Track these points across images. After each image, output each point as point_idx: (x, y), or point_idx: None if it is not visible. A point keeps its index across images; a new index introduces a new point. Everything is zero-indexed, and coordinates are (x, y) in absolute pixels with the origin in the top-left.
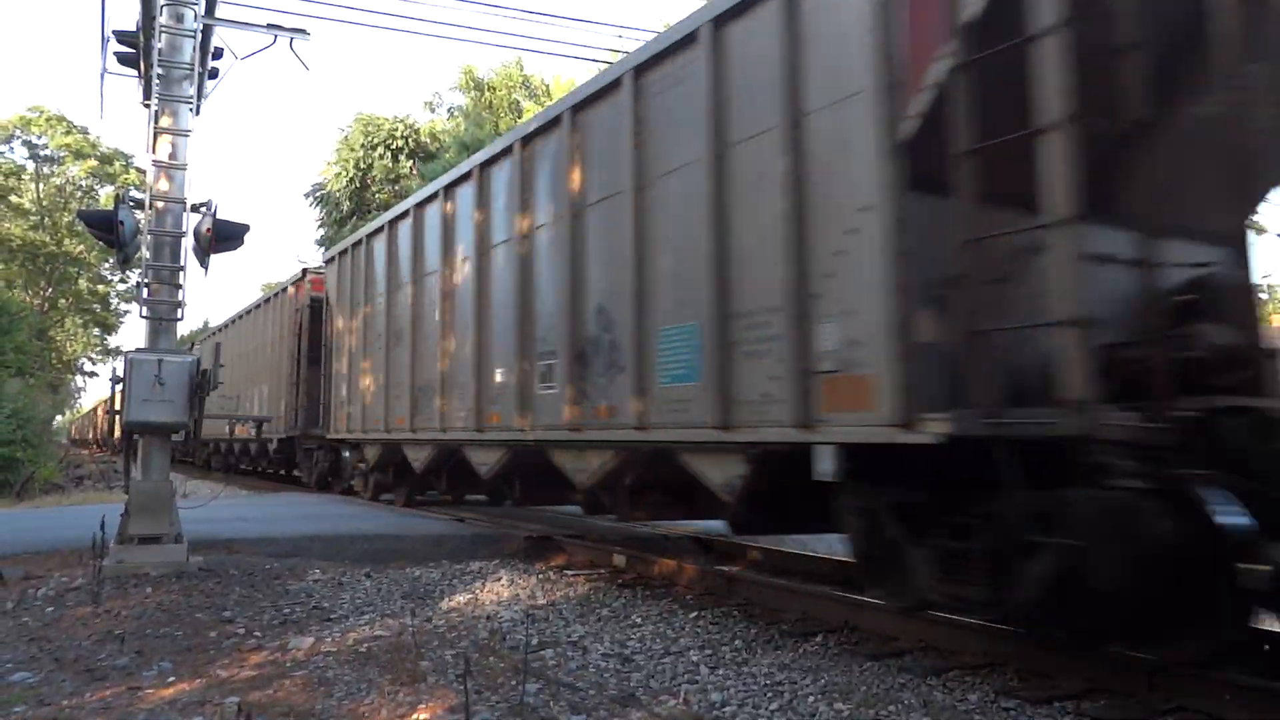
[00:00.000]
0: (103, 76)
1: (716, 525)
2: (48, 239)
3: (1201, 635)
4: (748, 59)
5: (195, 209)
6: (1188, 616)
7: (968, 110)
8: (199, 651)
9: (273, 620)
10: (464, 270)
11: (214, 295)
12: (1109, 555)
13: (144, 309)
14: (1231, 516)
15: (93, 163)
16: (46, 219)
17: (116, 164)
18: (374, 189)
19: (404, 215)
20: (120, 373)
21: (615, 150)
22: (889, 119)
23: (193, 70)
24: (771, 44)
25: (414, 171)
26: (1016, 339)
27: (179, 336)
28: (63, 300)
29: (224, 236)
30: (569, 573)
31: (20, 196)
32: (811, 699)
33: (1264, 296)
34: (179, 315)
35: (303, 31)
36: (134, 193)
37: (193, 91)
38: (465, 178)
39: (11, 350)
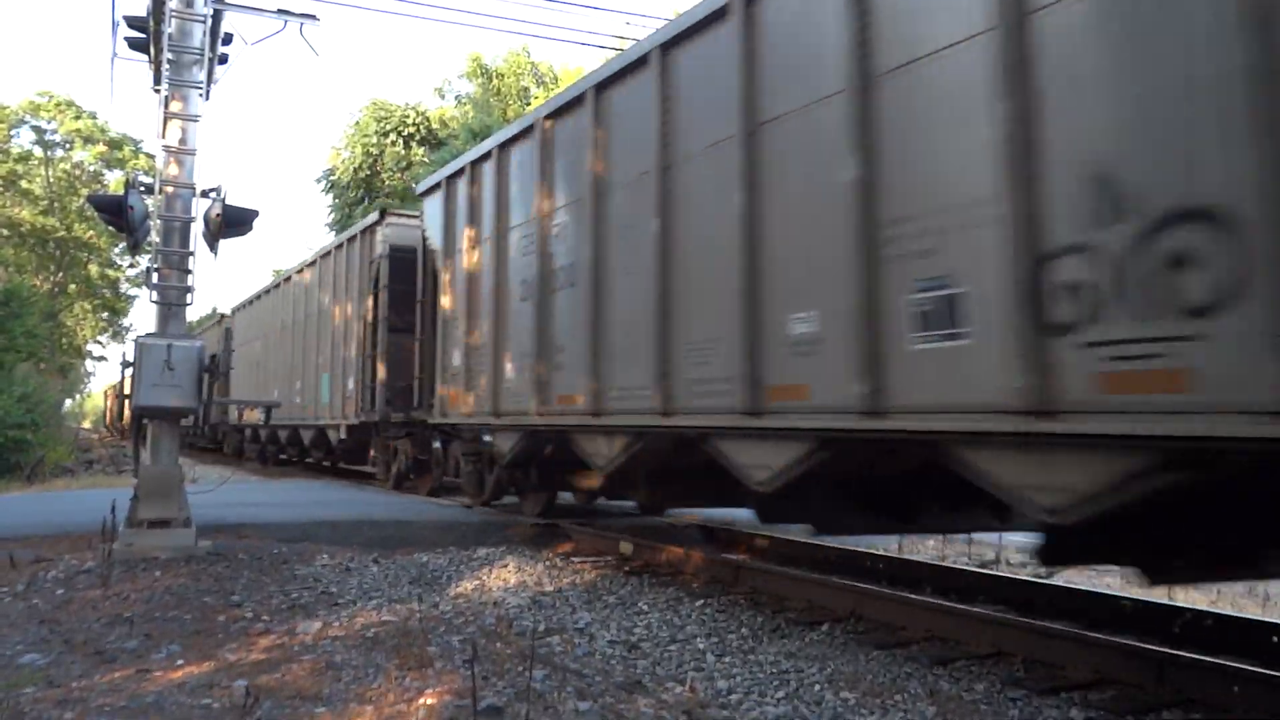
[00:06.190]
0: (113, 61)
1: (724, 514)
2: (57, 224)
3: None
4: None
5: (205, 194)
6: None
7: (372, 309)
8: (207, 635)
9: (280, 605)
10: None
11: (224, 282)
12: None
13: (154, 294)
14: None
15: (102, 148)
16: (56, 204)
17: (125, 149)
18: (384, 175)
19: None
20: (130, 357)
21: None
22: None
23: (203, 55)
24: None
25: (425, 159)
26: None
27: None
28: (73, 285)
29: (233, 222)
30: (576, 560)
31: (30, 182)
32: (818, 687)
33: None
34: (188, 300)
35: (312, 16)
36: (143, 178)
37: (203, 77)
38: None
39: (22, 335)
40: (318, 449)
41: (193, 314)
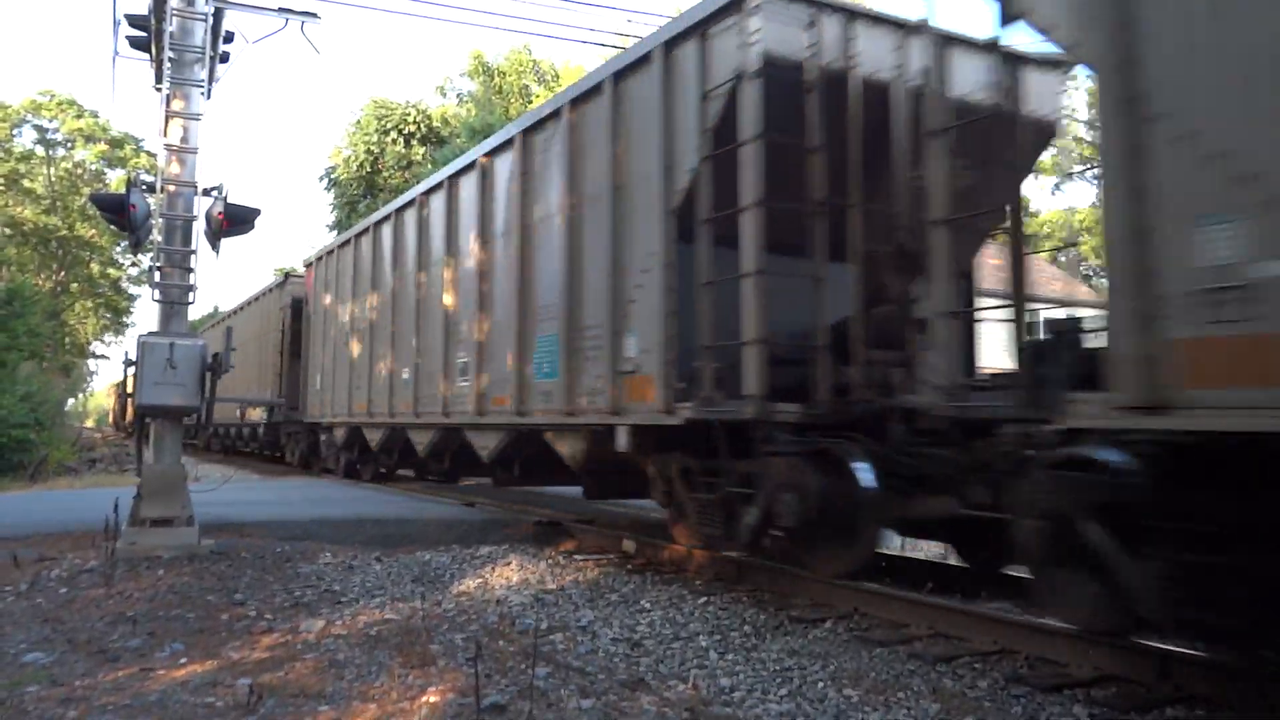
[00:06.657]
0: (114, 60)
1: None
2: (59, 223)
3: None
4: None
5: (206, 193)
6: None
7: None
8: (211, 633)
9: (284, 603)
10: None
11: (226, 280)
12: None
13: (156, 292)
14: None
15: (103, 147)
16: (58, 203)
17: (127, 148)
18: (385, 173)
19: None
20: (132, 355)
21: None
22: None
23: (204, 54)
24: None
25: (427, 158)
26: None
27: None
28: (75, 284)
29: (235, 220)
30: (578, 558)
31: (32, 181)
32: (820, 684)
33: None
34: (190, 299)
35: (313, 14)
36: (145, 176)
37: (204, 75)
38: None
39: (25, 334)
40: (505, 466)
41: (194, 312)
